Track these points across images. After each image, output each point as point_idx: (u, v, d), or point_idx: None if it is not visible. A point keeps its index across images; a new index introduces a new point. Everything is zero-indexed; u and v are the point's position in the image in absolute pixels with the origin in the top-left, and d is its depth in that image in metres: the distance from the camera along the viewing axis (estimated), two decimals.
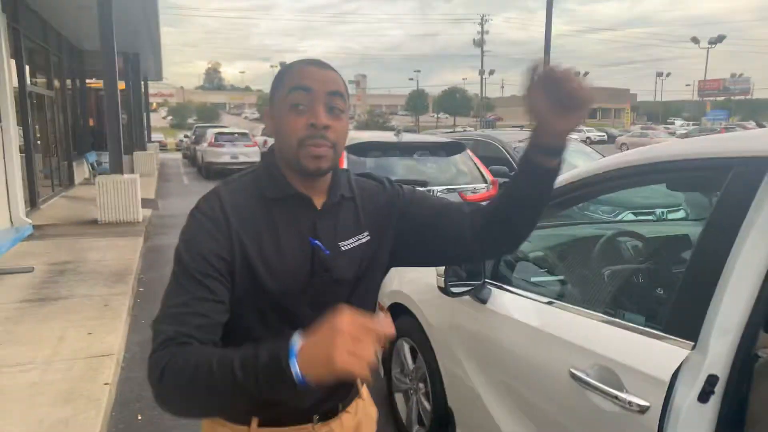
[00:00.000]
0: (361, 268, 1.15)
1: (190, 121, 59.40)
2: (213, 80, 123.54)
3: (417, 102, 73.98)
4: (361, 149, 4.56)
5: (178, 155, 28.11)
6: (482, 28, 54.33)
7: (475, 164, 5.02)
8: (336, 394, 1.19)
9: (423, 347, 2.45)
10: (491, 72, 70.89)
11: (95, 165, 13.83)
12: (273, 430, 1.14)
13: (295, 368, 0.77)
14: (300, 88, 1.02)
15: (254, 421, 1.12)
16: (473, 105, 74.29)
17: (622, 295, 1.87)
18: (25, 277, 5.10)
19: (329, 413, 1.19)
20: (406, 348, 2.69)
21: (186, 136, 29.18)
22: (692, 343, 1.29)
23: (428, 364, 2.41)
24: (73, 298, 4.51)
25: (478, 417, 2.02)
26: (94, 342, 3.61)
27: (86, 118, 15.48)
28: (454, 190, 4.60)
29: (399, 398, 2.80)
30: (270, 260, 1.05)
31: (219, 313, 0.97)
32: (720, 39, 55.20)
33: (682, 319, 1.35)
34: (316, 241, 1.08)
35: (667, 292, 1.79)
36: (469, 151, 5.17)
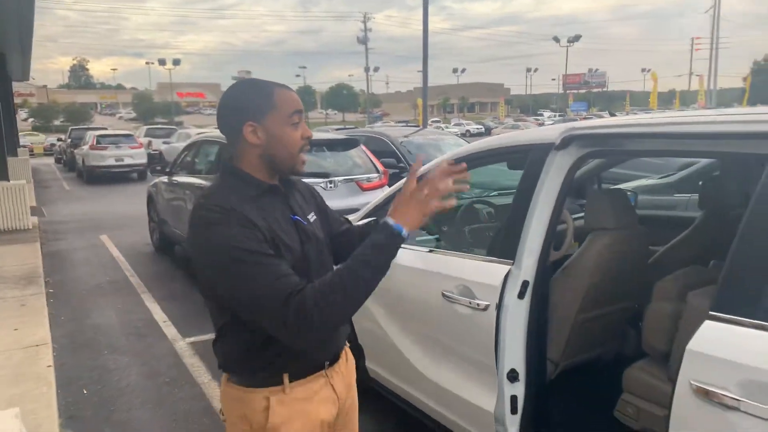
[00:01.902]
0: (325, 235, 1.48)
1: (57, 123, 54.67)
2: (80, 78, 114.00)
3: (305, 99, 73.96)
4: None
5: (49, 160, 26.14)
6: (365, 25, 55.67)
7: (369, 157, 5.73)
8: (340, 338, 1.46)
9: None
10: (376, 69, 72.70)
11: None
12: (298, 384, 1.36)
13: (403, 232, 1.20)
14: (298, 111, 1.35)
15: (285, 377, 1.34)
16: (360, 101, 75.60)
17: (476, 240, 2.64)
18: None
19: (335, 357, 1.45)
20: None
21: (60, 140, 27.22)
22: (512, 262, 2.06)
23: None
24: None
25: (382, 346, 2.70)
26: (23, 336, 3.82)
27: None
28: (351, 180, 5.29)
29: None
30: (282, 239, 1.29)
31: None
32: (577, 38, 61.29)
33: (507, 248, 2.11)
34: (296, 216, 1.39)
35: (501, 234, 2.59)
36: (362, 146, 5.87)
